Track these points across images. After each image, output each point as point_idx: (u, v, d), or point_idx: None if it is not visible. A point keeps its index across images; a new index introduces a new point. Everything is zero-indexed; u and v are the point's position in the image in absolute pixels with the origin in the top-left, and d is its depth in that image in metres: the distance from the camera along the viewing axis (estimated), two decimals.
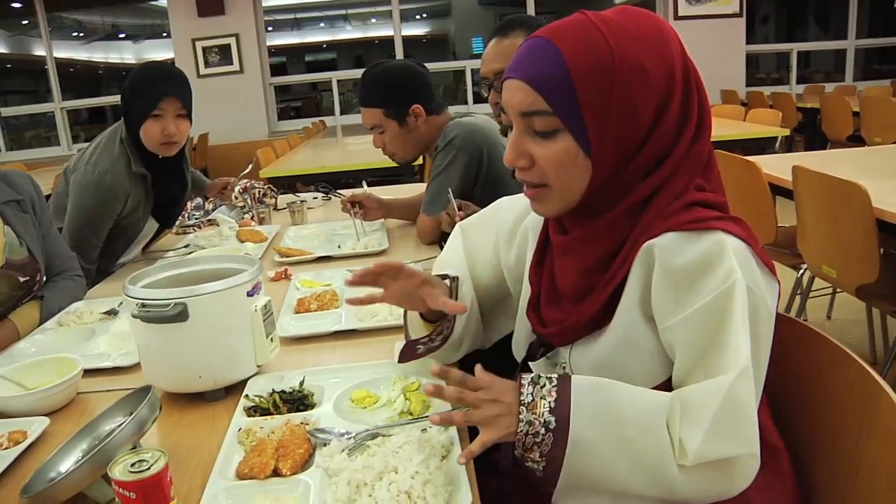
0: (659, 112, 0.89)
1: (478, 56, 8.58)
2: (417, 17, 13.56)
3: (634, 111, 0.88)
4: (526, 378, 0.89)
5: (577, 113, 0.88)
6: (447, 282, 1.18)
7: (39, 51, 7.90)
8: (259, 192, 2.92)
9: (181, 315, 1.14)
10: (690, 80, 0.92)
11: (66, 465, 0.99)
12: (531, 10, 7.85)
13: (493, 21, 11.28)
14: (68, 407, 1.25)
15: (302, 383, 1.21)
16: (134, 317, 1.16)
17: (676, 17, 7.37)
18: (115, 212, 2.16)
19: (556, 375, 0.88)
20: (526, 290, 1.11)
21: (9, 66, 9.03)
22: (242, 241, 2.35)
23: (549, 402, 0.86)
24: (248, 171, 3.10)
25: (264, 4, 7.85)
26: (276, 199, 3.01)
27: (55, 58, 7.91)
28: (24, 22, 8.09)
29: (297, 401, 1.17)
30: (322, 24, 13.75)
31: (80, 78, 9.46)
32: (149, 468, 0.73)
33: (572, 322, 0.98)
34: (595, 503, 0.88)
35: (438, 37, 13.66)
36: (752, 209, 2.89)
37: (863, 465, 0.97)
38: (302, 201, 2.76)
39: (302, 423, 1.07)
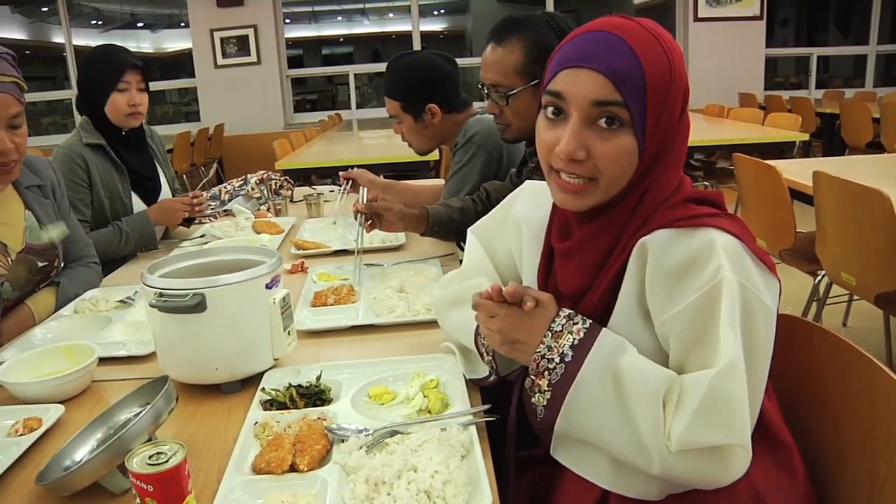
0: (682, 116, 0.95)
1: None
2: (435, 12, 13.54)
3: (675, 116, 0.93)
4: (564, 311, 0.96)
5: (643, 111, 0.90)
6: None
7: (58, 38, 7.92)
8: (276, 183, 2.92)
9: (199, 306, 1.13)
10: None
11: (81, 454, 0.98)
12: (549, 6, 7.80)
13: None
14: (83, 395, 1.25)
15: (319, 378, 1.20)
16: (151, 306, 1.15)
17: (696, 19, 7.31)
18: (83, 178, 2.21)
19: (590, 321, 0.94)
20: None
21: (28, 52, 9.08)
22: (258, 233, 2.34)
23: (574, 339, 0.91)
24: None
25: None
26: (292, 191, 3.01)
27: (74, 46, 7.93)
28: (44, 9, 8.13)
29: (314, 395, 1.15)
30: (340, 18, 13.76)
31: None
32: (167, 461, 0.72)
33: None
34: (592, 460, 0.91)
35: (456, 33, 13.64)
36: (771, 214, 2.86)
37: (889, 475, 0.95)
38: (319, 194, 2.75)
39: (319, 419, 1.06)
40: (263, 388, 1.17)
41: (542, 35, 1.64)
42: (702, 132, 5.12)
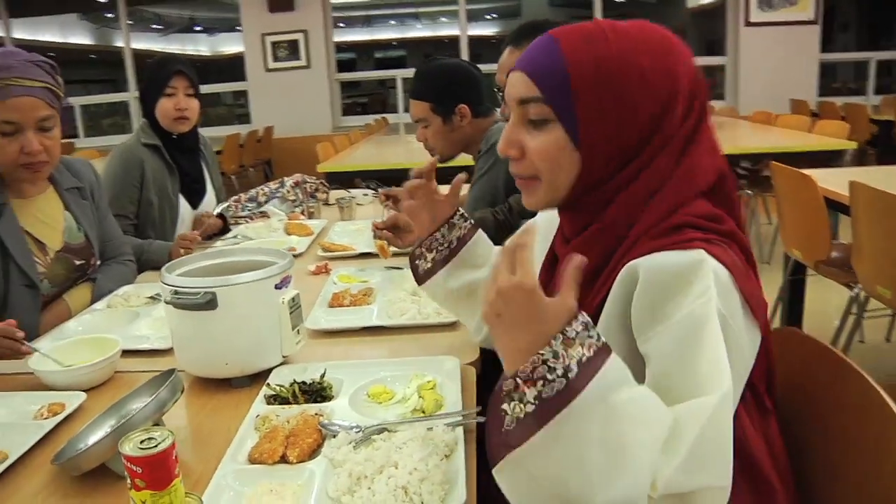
0: (656, 121, 0.91)
1: None
2: (487, 16, 13.59)
3: (631, 113, 0.90)
4: (582, 317, 0.77)
5: (568, 104, 0.91)
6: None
7: (120, 42, 8.25)
8: (311, 186, 3.00)
9: (210, 303, 1.20)
10: (695, 98, 0.93)
11: (93, 438, 1.05)
12: (598, 13, 7.77)
13: (565, 23, 11.40)
14: (106, 384, 1.33)
15: (323, 376, 1.25)
16: (167, 303, 1.23)
17: (747, 24, 7.17)
18: (135, 176, 2.34)
19: (603, 338, 0.77)
20: None
21: (93, 56, 9.46)
22: (290, 234, 2.41)
23: (584, 354, 0.74)
24: None
25: (335, 1, 8.00)
26: (327, 194, 3.08)
27: (134, 49, 8.24)
28: (109, 15, 8.45)
29: (316, 392, 1.21)
30: (393, 22, 13.93)
31: None
32: (156, 446, 0.77)
33: None
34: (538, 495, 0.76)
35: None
36: (806, 224, 2.83)
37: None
38: (351, 197, 2.82)
39: (316, 415, 1.11)
40: (268, 384, 1.24)
41: None
42: (747, 140, 5.05)
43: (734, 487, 0.77)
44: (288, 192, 2.88)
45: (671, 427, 0.76)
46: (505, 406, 0.75)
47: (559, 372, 0.73)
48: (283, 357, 1.32)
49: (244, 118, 8.21)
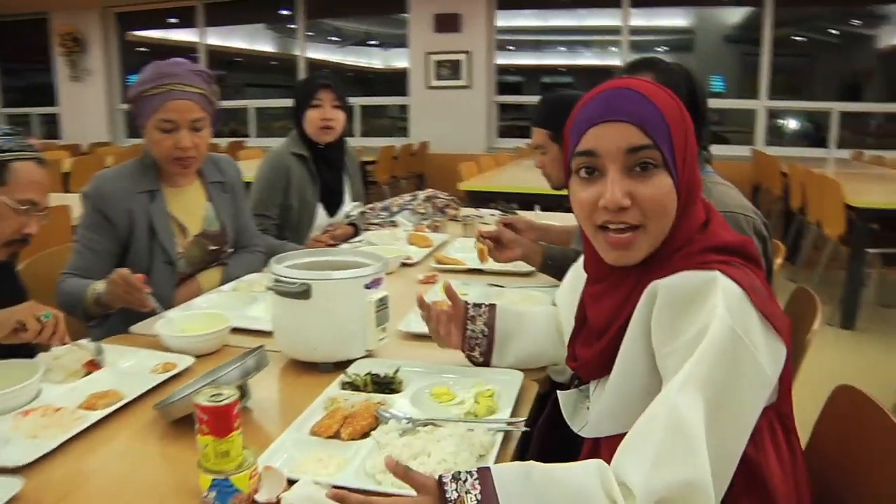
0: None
1: (716, 94, 8.27)
2: (658, 48, 13.34)
3: (694, 154, 1.00)
4: (447, 476, 0.87)
5: (672, 150, 0.97)
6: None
7: (298, 51, 8.96)
8: (441, 202, 3.16)
9: (305, 294, 1.36)
10: None
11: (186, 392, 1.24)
12: (767, 51, 7.48)
13: (738, 59, 11.00)
14: (215, 353, 1.53)
15: (396, 372, 1.37)
16: (269, 289, 1.40)
17: None
18: (281, 181, 2.58)
19: (476, 468, 0.88)
20: (571, 325, 1.20)
21: (274, 63, 10.33)
22: (411, 244, 2.57)
23: (475, 496, 0.84)
24: None
25: (501, 25, 8.21)
26: (457, 210, 3.22)
27: (311, 58, 8.92)
28: (291, 27, 9.18)
29: (385, 385, 1.33)
30: (562, 49, 14.00)
31: None
32: (222, 401, 0.92)
33: (588, 358, 1.06)
34: None
35: None
36: None
37: None
38: (476, 216, 2.94)
39: (378, 403, 1.23)
40: (346, 372, 1.37)
41: (675, 84, 1.67)
42: None
43: None
44: (419, 205, 3.06)
45: (632, 437, 0.86)
46: None
47: None
48: (367, 351, 1.46)
49: (403, 131, 8.61)
